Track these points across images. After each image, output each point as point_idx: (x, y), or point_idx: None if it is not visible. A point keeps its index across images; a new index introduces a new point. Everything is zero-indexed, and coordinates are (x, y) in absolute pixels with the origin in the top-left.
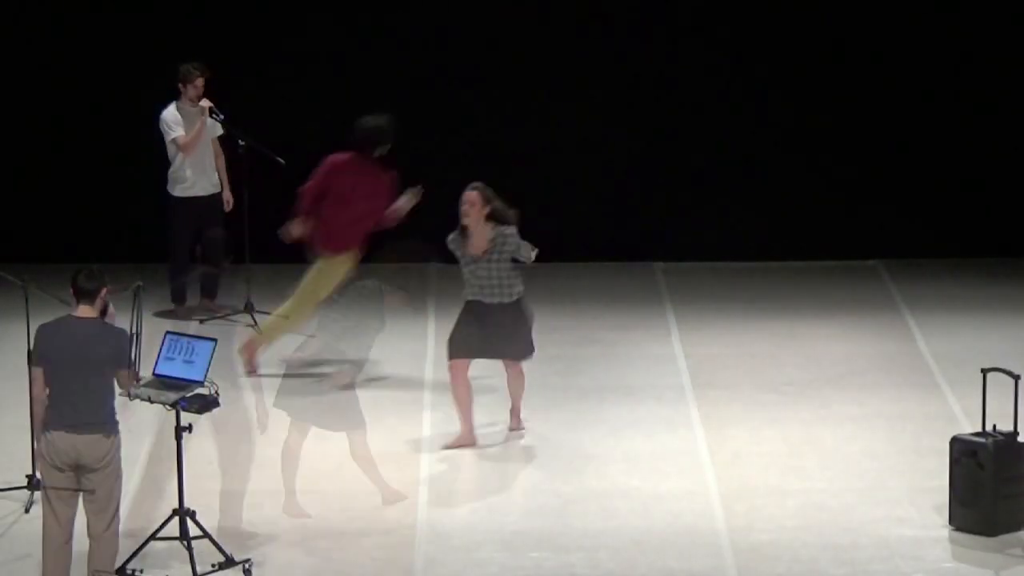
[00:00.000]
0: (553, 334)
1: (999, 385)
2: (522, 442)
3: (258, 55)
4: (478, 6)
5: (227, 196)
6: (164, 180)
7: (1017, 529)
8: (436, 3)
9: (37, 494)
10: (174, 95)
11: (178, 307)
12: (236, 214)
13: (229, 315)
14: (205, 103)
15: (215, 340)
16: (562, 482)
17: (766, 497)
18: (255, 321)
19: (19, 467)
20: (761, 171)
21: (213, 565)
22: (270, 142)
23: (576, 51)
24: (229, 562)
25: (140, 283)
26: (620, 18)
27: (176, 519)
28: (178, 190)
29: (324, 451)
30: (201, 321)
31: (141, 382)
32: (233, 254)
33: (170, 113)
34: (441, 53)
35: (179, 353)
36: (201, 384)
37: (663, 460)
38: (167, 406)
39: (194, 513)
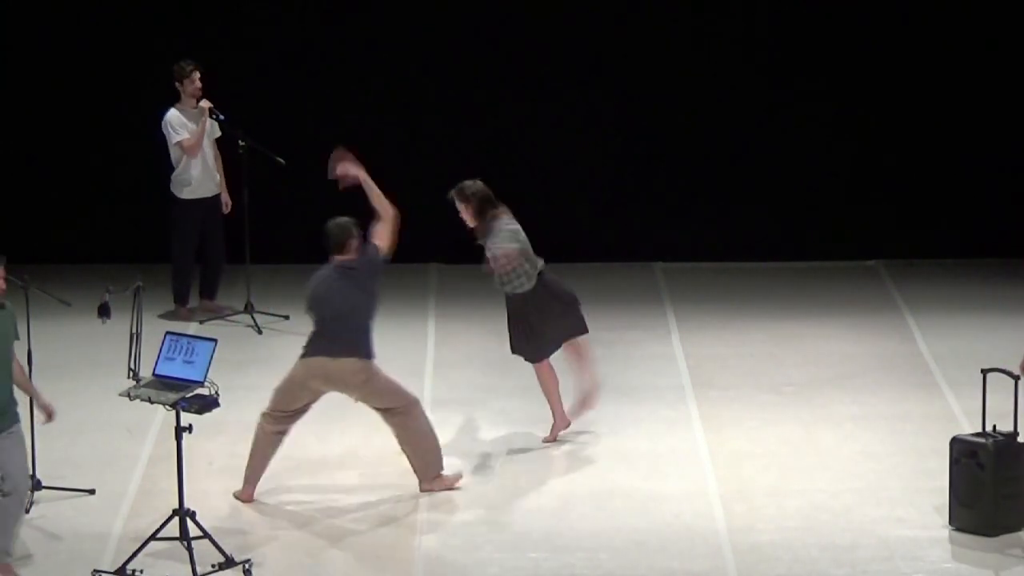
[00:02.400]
0: None
1: (999, 385)
2: (522, 442)
3: (258, 55)
4: (478, 6)
5: (225, 198)
6: (164, 180)
7: (1017, 529)
8: (436, 3)
9: (37, 494)
10: (174, 96)
11: (179, 307)
12: (236, 215)
13: (229, 315)
14: (205, 104)
15: (215, 340)
16: (562, 482)
17: (766, 497)
18: (255, 322)
19: None
20: (761, 171)
21: (213, 565)
22: (270, 142)
23: (576, 51)
24: (229, 562)
25: (140, 283)
26: (620, 18)
27: (176, 519)
28: (185, 192)
29: (325, 450)
30: (201, 322)
31: (141, 382)
32: None
33: (174, 116)
34: (440, 53)
35: (179, 353)
36: (201, 384)
37: (663, 460)
38: (167, 406)
39: (194, 513)
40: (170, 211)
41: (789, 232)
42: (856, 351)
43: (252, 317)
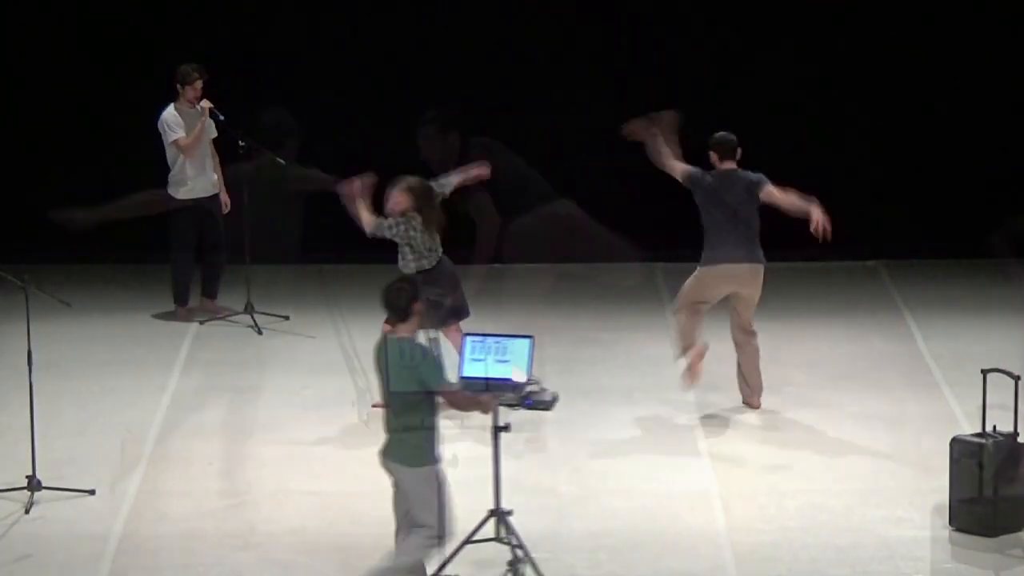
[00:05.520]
0: (553, 334)
1: (999, 386)
2: (522, 442)
3: (258, 55)
4: (479, 6)
5: (224, 198)
6: (164, 180)
7: (1017, 529)
8: (437, 2)
9: (37, 494)
10: (173, 96)
11: (179, 308)
12: (236, 215)
13: (229, 316)
14: (206, 104)
15: (532, 337)
16: (562, 482)
17: (766, 497)
18: (255, 322)
19: (19, 467)
20: (760, 171)
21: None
22: (270, 142)
23: (576, 51)
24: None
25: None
26: (622, 17)
27: (492, 520)
28: (180, 192)
29: (324, 452)
30: (201, 322)
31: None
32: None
33: (170, 115)
34: (441, 53)
35: (488, 353)
36: (528, 383)
37: (663, 461)
38: (511, 406)
39: (510, 513)
40: (167, 211)
41: (789, 232)
42: (856, 351)
43: (252, 317)
